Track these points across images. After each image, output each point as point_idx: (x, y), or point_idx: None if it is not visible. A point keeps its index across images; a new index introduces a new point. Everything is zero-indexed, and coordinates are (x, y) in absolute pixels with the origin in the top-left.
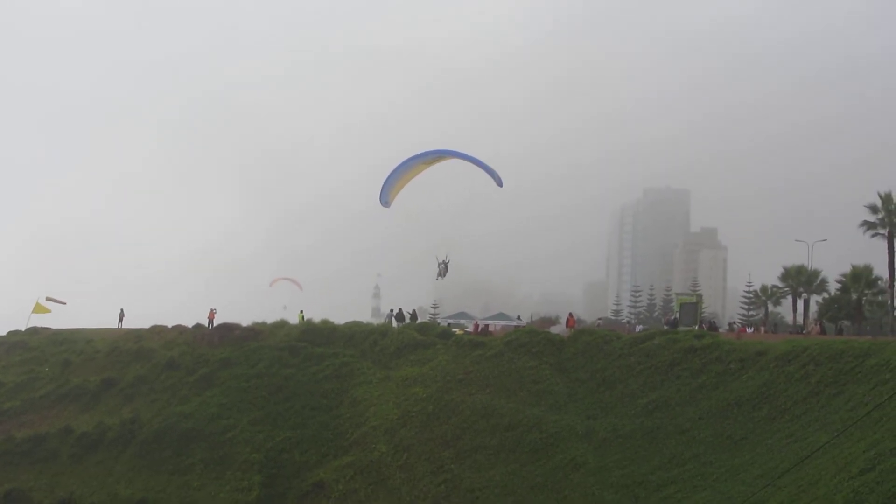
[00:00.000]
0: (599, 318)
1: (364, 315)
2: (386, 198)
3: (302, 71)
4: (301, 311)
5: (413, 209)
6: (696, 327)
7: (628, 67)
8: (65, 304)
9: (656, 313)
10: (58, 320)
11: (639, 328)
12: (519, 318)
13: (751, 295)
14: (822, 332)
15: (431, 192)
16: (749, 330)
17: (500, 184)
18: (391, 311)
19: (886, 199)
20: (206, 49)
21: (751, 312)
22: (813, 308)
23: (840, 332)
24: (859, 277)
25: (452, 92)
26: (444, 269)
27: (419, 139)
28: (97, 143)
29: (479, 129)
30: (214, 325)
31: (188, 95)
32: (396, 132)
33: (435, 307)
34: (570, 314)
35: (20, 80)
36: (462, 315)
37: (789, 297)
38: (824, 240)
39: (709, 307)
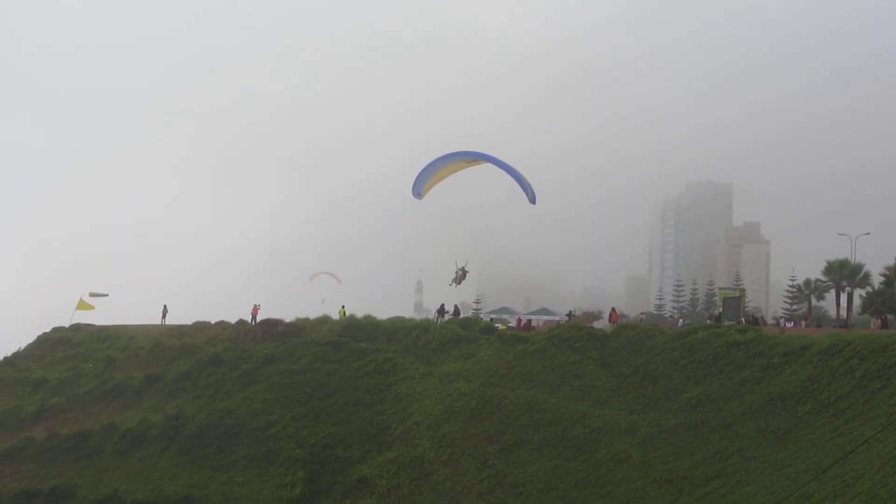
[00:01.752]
0: (642, 313)
1: (406, 310)
2: (419, 189)
3: (345, 62)
4: (342, 307)
5: (454, 204)
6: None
7: (671, 59)
8: (107, 295)
9: (699, 308)
10: (101, 317)
11: (680, 322)
12: (571, 313)
13: (794, 289)
14: (884, 326)
15: (473, 187)
16: (789, 324)
17: (532, 201)
18: (440, 307)
19: None
20: (253, 40)
21: (794, 307)
22: (857, 302)
23: (885, 325)
24: None
25: (496, 83)
26: (461, 277)
27: (461, 131)
28: (136, 138)
29: (521, 122)
30: (257, 320)
31: (230, 89)
32: (439, 124)
33: (477, 302)
34: (613, 309)
35: (62, 84)
36: (504, 310)
37: (833, 291)
38: (867, 233)
39: (752, 301)
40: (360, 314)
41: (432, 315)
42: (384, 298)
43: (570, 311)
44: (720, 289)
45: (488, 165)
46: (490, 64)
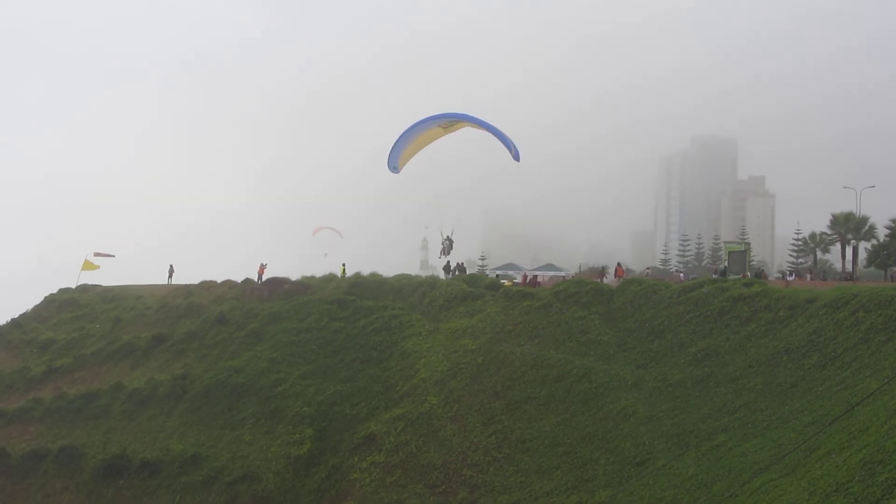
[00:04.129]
0: (647, 268)
1: (412, 268)
2: (395, 162)
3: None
4: (343, 265)
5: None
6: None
7: (685, 25)
8: (113, 256)
9: (705, 262)
10: (107, 277)
11: (682, 277)
12: (605, 269)
13: (799, 242)
14: None
15: (481, 153)
16: (790, 278)
17: (516, 158)
18: (447, 264)
19: None
20: None
21: (800, 260)
22: (862, 255)
23: (892, 278)
24: None
25: (507, 49)
26: (448, 246)
27: (472, 93)
28: (141, 92)
29: (533, 87)
30: (263, 279)
31: (250, 39)
32: (456, 87)
33: (483, 259)
34: (619, 264)
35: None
36: (510, 266)
37: (838, 244)
38: (872, 186)
39: (757, 255)
40: (366, 272)
41: (440, 270)
42: (390, 256)
43: (604, 267)
44: (725, 243)
45: (467, 132)
46: (503, 24)
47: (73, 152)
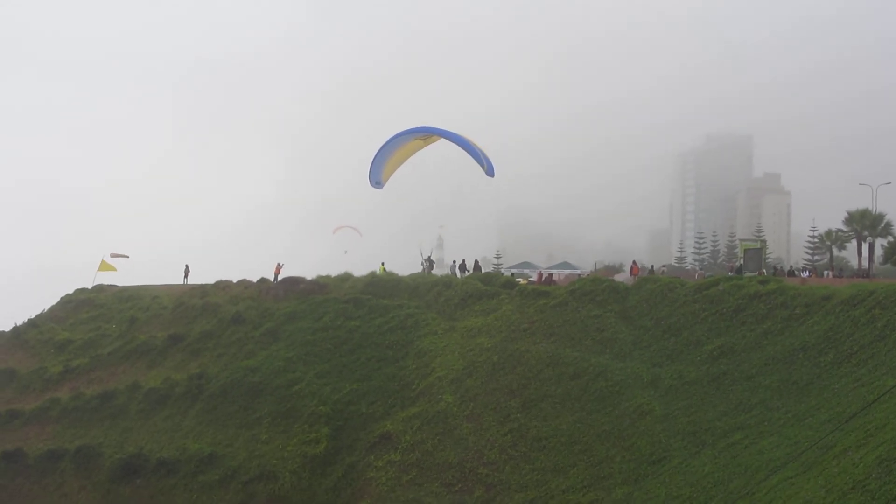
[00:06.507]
0: (663, 266)
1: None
2: (377, 177)
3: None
4: (382, 264)
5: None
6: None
7: (700, 24)
8: (128, 257)
9: (720, 259)
10: (124, 277)
11: (697, 275)
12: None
13: (815, 240)
14: None
15: (504, 160)
16: (804, 275)
17: (490, 173)
18: (454, 262)
19: None
20: None
21: (815, 257)
22: (878, 252)
23: None
24: None
25: (521, 49)
26: (429, 267)
27: (488, 93)
28: (159, 90)
29: (548, 87)
30: (279, 279)
31: (263, 32)
32: (475, 85)
33: (498, 257)
34: (634, 262)
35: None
36: (525, 265)
37: (854, 241)
38: (888, 183)
39: (773, 253)
40: (380, 271)
41: (448, 271)
42: (405, 255)
43: (595, 264)
44: (741, 240)
45: (446, 145)
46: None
47: (89, 158)
